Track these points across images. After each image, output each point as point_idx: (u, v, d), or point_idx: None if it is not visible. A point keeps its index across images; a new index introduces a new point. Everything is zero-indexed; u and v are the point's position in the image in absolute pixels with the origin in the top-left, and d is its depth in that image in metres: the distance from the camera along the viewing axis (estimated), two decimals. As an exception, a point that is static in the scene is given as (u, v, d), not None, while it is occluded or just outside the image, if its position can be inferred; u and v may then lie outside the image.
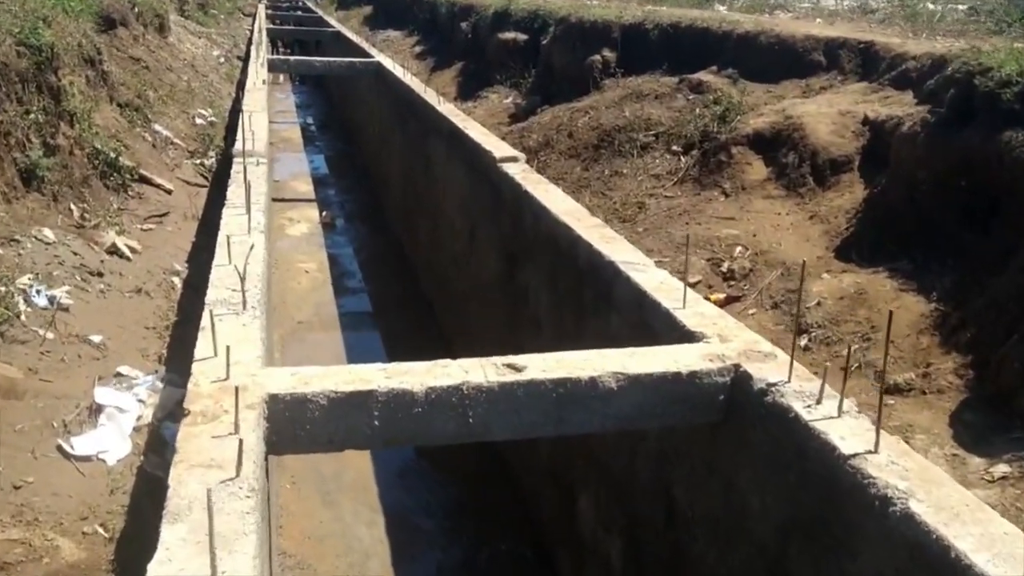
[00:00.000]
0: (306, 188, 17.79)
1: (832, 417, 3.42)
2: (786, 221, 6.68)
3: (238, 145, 7.73)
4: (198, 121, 12.75)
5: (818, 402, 3.52)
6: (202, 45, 19.64)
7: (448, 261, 10.34)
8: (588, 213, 6.39)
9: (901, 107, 6.99)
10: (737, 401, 3.94)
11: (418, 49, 20.91)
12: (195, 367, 3.67)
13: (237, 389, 3.25)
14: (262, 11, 30.56)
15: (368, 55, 17.65)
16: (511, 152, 8.15)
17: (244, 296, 4.28)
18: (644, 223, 7.50)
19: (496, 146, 8.39)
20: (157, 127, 10.59)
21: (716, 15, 10.77)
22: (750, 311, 5.71)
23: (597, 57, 11.17)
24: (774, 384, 3.70)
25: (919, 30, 9.34)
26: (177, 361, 5.42)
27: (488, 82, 14.69)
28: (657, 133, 8.95)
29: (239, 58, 23.05)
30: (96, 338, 5.31)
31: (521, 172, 7.61)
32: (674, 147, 8.75)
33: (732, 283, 6.11)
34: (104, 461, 4.72)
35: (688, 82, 9.55)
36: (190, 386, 3.49)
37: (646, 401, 3.91)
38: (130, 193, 8.40)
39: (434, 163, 11.05)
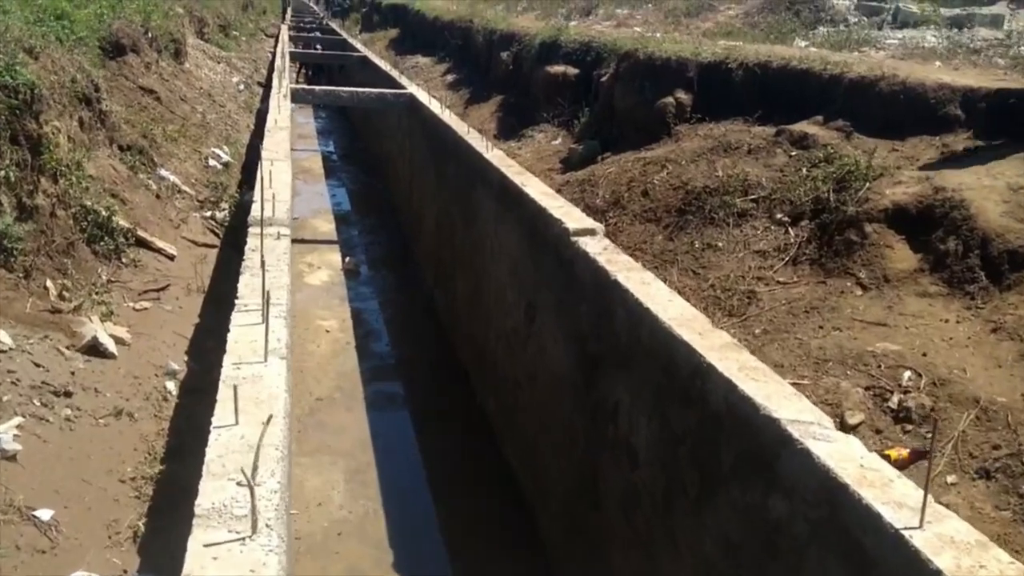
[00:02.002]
0: (328, 228, 16.38)
1: None
2: (961, 333, 5.14)
3: (255, 210, 6.28)
4: (211, 163, 11.33)
5: None
6: (221, 71, 18.32)
7: (494, 336, 8.84)
8: (708, 322, 4.87)
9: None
10: None
11: (450, 78, 19.50)
12: None
13: None
14: (285, 33, 29.39)
15: (398, 84, 16.27)
16: (587, 222, 6.66)
17: (254, 510, 2.75)
18: (759, 320, 5.96)
19: (566, 212, 6.90)
20: (163, 172, 9.17)
21: (816, 54, 9.26)
22: (948, 478, 4.16)
23: (670, 99, 9.68)
24: None
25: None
26: (157, 547, 3.92)
27: (533, 120, 13.21)
28: (757, 197, 7.43)
29: (260, 84, 21.75)
30: (45, 513, 3.83)
31: (603, 251, 6.11)
32: (778, 215, 7.22)
33: (908, 427, 4.56)
34: None
35: (789, 134, 8.03)
36: None
37: None
38: (124, 261, 6.95)
39: (479, 217, 9.57)
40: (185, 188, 9.35)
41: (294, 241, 10.59)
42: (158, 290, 6.84)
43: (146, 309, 6.52)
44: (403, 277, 13.74)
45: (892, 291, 5.80)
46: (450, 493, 7.88)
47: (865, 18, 13.89)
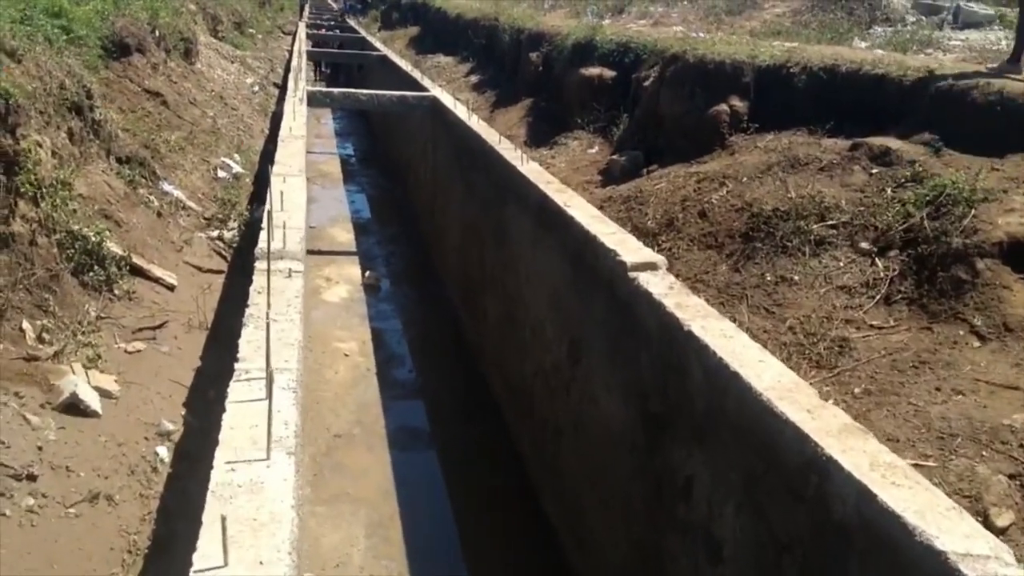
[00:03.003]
0: (346, 237, 15.52)
1: None
2: (1119, 403, 4.22)
3: (262, 239, 5.42)
4: (221, 174, 10.48)
5: None
6: (234, 71, 17.51)
7: (530, 370, 7.95)
8: (814, 393, 3.95)
9: None
10: None
11: (474, 79, 18.62)
12: None
13: None
14: (302, 31, 28.58)
15: (419, 86, 15.39)
16: (645, 254, 5.74)
17: None
18: (857, 377, 5.04)
19: (620, 241, 5.99)
20: (166, 187, 8.34)
21: (889, 58, 8.30)
22: None
23: (724, 107, 8.75)
24: None
25: None
26: None
27: (566, 125, 12.31)
28: (836, 222, 6.50)
29: (276, 85, 20.93)
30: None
31: (669, 291, 5.20)
32: (863, 244, 6.30)
33: (1075, 533, 3.65)
34: None
35: (867, 149, 7.09)
36: None
37: None
38: (116, 293, 6.11)
39: (512, 236, 8.68)
40: (190, 204, 8.52)
41: (310, 252, 9.77)
42: (154, 328, 6.01)
43: (139, 352, 5.68)
44: (426, 293, 12.86)
45: (1018, 343, 4.86)
46: (482, 554, 7.00)
47: (923, 18, 12.90)
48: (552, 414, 7.29)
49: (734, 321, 5.54)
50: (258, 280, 4.89)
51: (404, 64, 19.34)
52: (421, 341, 11.27)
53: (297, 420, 3.41)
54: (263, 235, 5.50)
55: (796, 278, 6.23)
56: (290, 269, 5.09)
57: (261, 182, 10.98)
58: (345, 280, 13.24)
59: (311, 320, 11.04)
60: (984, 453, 4.11)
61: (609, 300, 5.86)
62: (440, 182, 13.48)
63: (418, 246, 14.89)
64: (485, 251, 9.97)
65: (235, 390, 3.58)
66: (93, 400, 4.80)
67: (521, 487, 7.88)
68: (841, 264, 6.22)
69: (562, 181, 8.63)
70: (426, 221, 14.92)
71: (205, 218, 8.67)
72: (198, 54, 15.13)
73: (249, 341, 4.09)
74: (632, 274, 5.49)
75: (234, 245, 8.47)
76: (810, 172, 7.21)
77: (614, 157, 9.84)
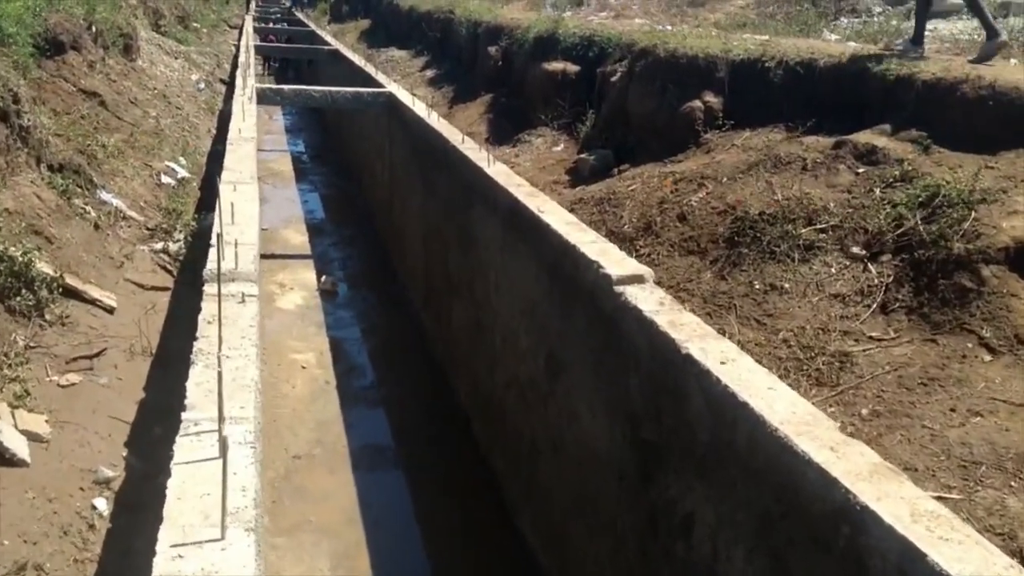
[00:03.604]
0: (300, 240, 14.94)
1: None
2: None
3: (212, 257, 4.90)
4: (165, 179, 9.82)
5: None
6: (179, 67, 16.72)
7: (502, 382, 7.52)
8: (833, 425, 3.58)
9: None
10: None
11: (429, 74, 18.07)
12: None
13: None
14: (249, 25, 27.73)
15: (374, 81, 14.85)
16: (630, 266, 5.35)
17: None
18: (863, 396, 4.69)
19: (601, 251, 5.59)
20: (104, 195, 7.70)
21: (864, 50, 7.99)
22: None
23: (697, 103, 8.37)
24: None
25: None
26: None
27: (529, 122, 11.86)
28: (825, 226, 6.16)
29: (222, 81, 20.14)
30: None
31: (660, 307, 4.80)
32: (853, 249, 5.97)
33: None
34: None
35: (852, 147, 6.75)
36: None
37: None
38: (47, 319, 5.52)
39: (480, 242, 8.24)
40: (131, 213, 7.88)
41: (263, 257, 9.19)
42: (91, 357, 5.44)
43: (74, 385, 5.11)
44: (386, 297, 12.36)
45: (1032, 357, 4.55)
46: (457, 584, 6.58)
47: (890, 8, 12.69)
48: (528, 429, 6.88)
49: (724, 333, 5.18)
50: (207, 307, 4.37)
51: (357, 59, 18.74)
52: (382, 349, 10.78)
53: (257, 485, 2.94)
54: (213, 253, 4.98)
55: (787, 286, 5.87)
56: (243, 293, 4.57)
57: (209, 186, 10.37)
58: (300, 286, 12.68)
59: (265, 330, 10.48)
60: (1013, 483, 3.79)
61: (592, 314, 5.45)
62: (398, 181, 12.97)
63: (376, 247, 14.36)
64: (449, 255, 9.50)
65: (182, 447, 3.08)
66: (20, 447, 4.25)
67: (495, 507, 7.46)
68: (833, 270, 5.88)
69: (528, 181, 8.20)
70: (384, 221, 14.39)
71: (148, 228, 8.04)
72: (139, 50, 14.36)
73: (198, 384, 3.59)
74: (618, 288, 5.08)
75: (180, 258, 7.86)
76: (793, 172, 6.87)
77: (583, 156, 9.43)
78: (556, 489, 6.23)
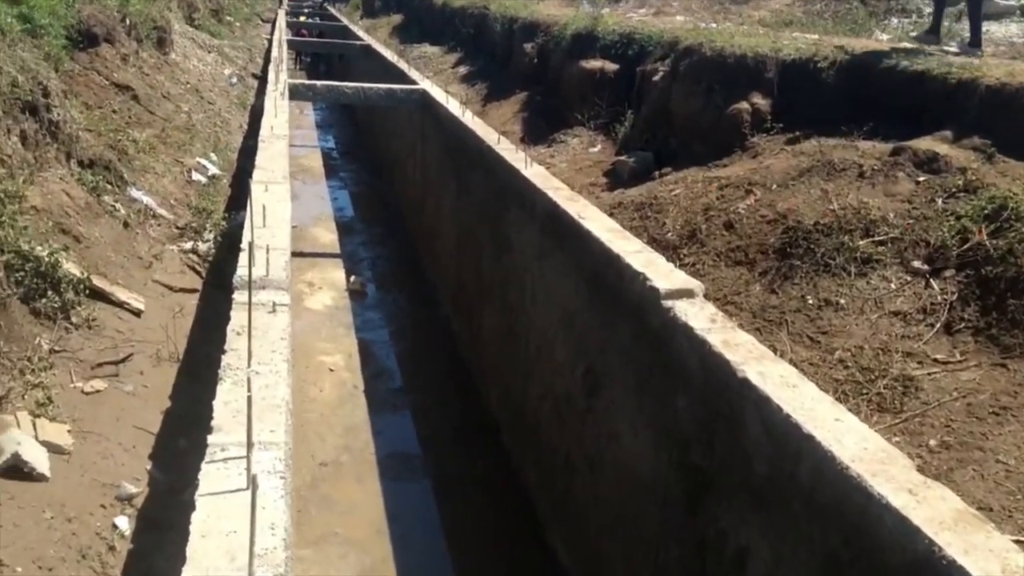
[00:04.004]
0: (329, 238, 14.75)
1: None
2: None
3: (241, 265, 4.70)
4: (195, 176, 9.66)
5: None
6: (211, 61, 16.62)
7: (535, 393, 7.27)
8: (909, 463, 3.29)
9: None
10: None
11: (463, 70, 17.85)
12: None
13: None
14: (282, 19, 27.64)
15: (406, 78, 14.62)
16: (679, 278, 5.06)
17: None
18: (929, 425, 4.38)
19: (647, 262, 5.30)
20: (135, 193, 7.54)
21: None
22: None
23: (745, 105, 8.06)
24: None
25: None
26: None
27: (565, 122, 11.59)
28: (884, 238, 5.83)
29: (255, 76, 20.02)
30: None
31: (712, 324, 4.52)
32: (915, 263, 5.64)
33: None
34: None
35: (911, 154, 6.42)
36: None
37: None
38: (73, 321, 5.34)
39: (515, 247, 7.98)
40: (161, 212, 7.72)
41: (294, 255, 9.01)
42: (117, 362, 5.26)
43: (98, 392, 4.93)
44: (415, 299, 12.13)
45: (1118, 388, 4.22)
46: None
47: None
48: (563, 444, 6.61)
49: (775, 351, 4.89)
50: (236, 317, 4.16)
51: (389, 54, 18.53)
52: (411, 352, 10.55)
53: (287, 521, 2.70)
54: (242, 258, 4.77)
55: (842, 301, 5.56)
56: (274, 303, 4.36)
57: (240, 183, 10.20)
58: (329, 285, 12.49)
59: (293, 331, 10.30)
60: (1107, 532, 3.47)
61: (636, 329, 5.18)
62: (430, 180, 12.74)
63: (406, 247, 14.15)
64: (482, 258, 9.26)
65: (207, 476, 2.86)
66: (40, 460, 4.07)
67: (526, 520, 7.20)
68: (892, 286, 5.56)
69: (565, 182, 7.94)
70: (414, 221, 14.18)
71: (178, 227, 7.88)
72: (172, 44, 14.26)
73: (226, 403, 3.37)
74: (666, 303, 4.80)
75: (209, 259, 7.68)
76: (849, 179, 6.55)
77: (622, 158, 9.14)
78: (592, 508, 5.96)
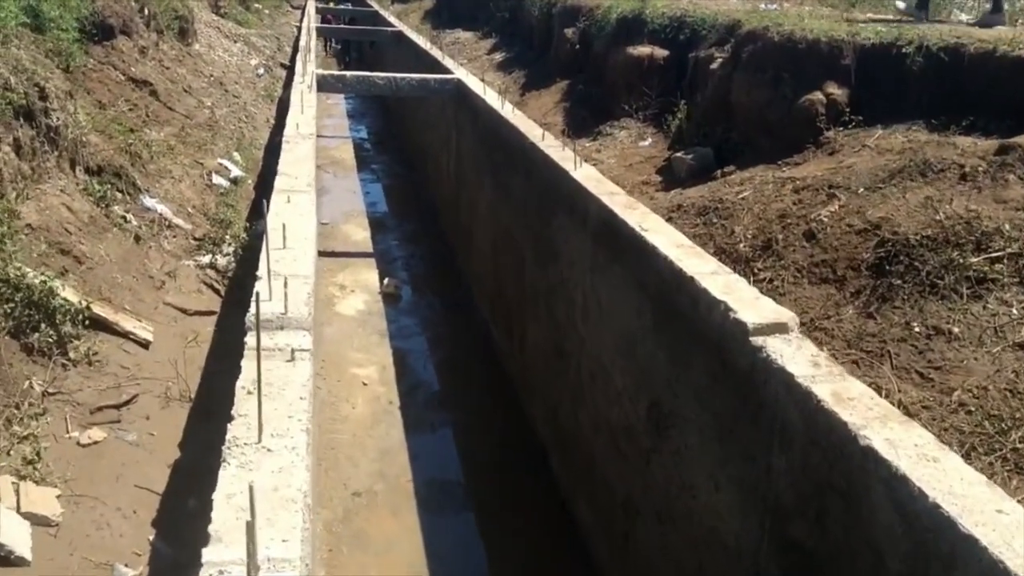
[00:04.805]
0: (362, 236, 14.11)
1: None
2: None
3: (256, 298, 4.00)
4: (216, 180, 9.01)
5: None
6: (237, 52, 16.00)
7: (589, 422, 6.54)
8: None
9: None
10: None
11: (498, 57, 17.07)
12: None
13: None
14: (312, 5, 26.99)
15: (440, 66, 13.90)
16: (768, 309, 4.30)
17: None
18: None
19: (728, 287, 4.55)
20: (148, 201, 6.91)
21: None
22: None
23: (818, 95, 7.22)
24: None
25: None
26: None
27: (610, 113, 10.80)
28: (998, 253, 5.01)
29: (283, 65, 19.39)
30: None
31: (814, 370, 3.76)
32: (1037, 284, 4.82)
33: None
34: None
35: (1021, 153, 5.58)
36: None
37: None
38: (72, 356, 4.71)
39: (562, 256, 7.24)
40: (177, 221, 7.08)
41: (321, 254, 8.34)
42: (119, 406, 4.62)
43: (97, 444, 4.30)
44: (452, 304, 11.45)
45: None
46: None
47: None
48: (622, 483, 5.89)
49: (879, 390, 4.13)
50: (248, 369, 3.48)
51: (421, 41, 17.81)
52: (449, 364, 9.88)
53: None
54: (260, 285, 4.09)
55: (956, 330, 4.75)
56: (292, 348, 3.66)
57: (266, 185, 9.57)
58: (361, 288, 11.86)
59: (324, 339, 9.67)
60: None
61: (715, 368, 4.43)
62: (465, 176, 12.02)
63: (440, 246, 13.46)
64: (524, 266, 8.53)
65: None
66: (20, 540, 3.43)
67: (580, 563, 6.51)
68: (1014, 311, 4.74)
69: (614, 181, 7.19)
70: (449, 218, 13.48)
71: (195, 239, 7.22)
72: (196, 34, 13.65)
73: (229, 496, 2.69)
74: (755, 339, 4.04)
75: (230, 274, 7.03)
76: (948, 182, 5.71)
77: (679, 155, 8.33)
78: (661, 562, 5.24)
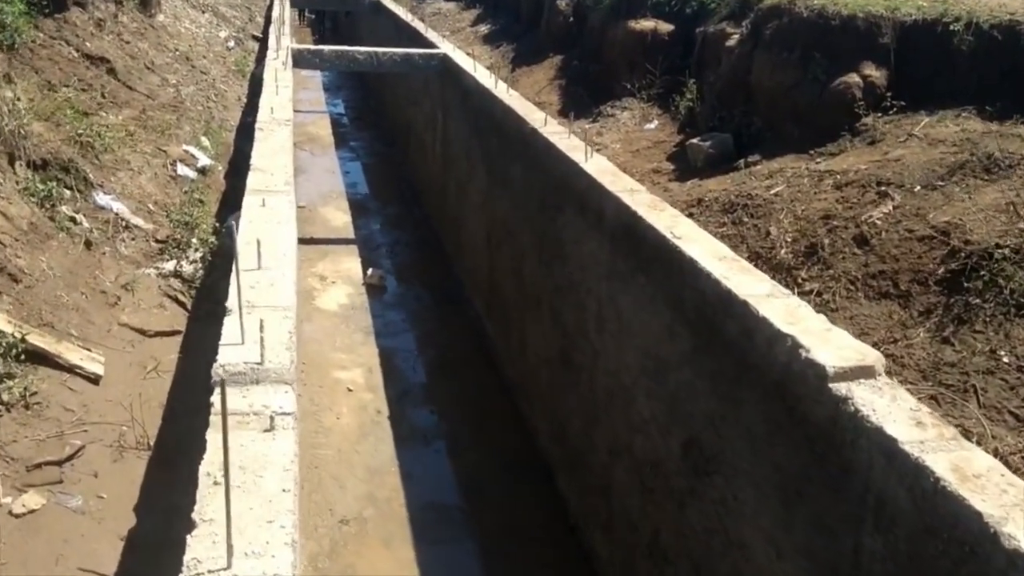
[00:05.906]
0: (342, 220, 13.26)
1: None
2: None
3: (222, 349, 3.26)
4: (182, 170, 8.12)
5: None
6: (206, 23, 14.98)
7: (604, 446, 5.85)
8: None
9: None
10: None
11: (483, 29, 16.20)
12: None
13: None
14: (284, -27, 25.75)
15: (425, 41, 13.01)
16: (848, 348, 3.57)
17: None
18: None
19: (789, 312, 3.83)
20: (101, 199, 6.07)
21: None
22: None
23: (854, 78, 6.51)
24: None
25: None
26: None
27: (610, 92, 10.05)
28: (1092, 268, 4.34)
29: (255, 37, 18.34)
30: None
31: (915, 425, 3.12)
32: None
33: None
34: None
35: (1105, 148, 4.92)
36: None
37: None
38: (4, 399, 3.92)
39: (571, 259, 6.50)
40: (136, 221, 6.23)
41: (301, 242, 7.54)
42: (61, 462, 3.84)
43: (33, 512, 3.53)
44: (441, 296, 10.67)
45: None
46: None
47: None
48: (648, 522, 5.21)
49: (968, 435, 3.47)
50: (213, 443, 2.73)
51: (402, 11, 16.84)
52: (441, 365, 9.14)
53: None
54: (226, 330, 3.33)
55: (1051, 361, 4.08)
56: (272, 414, 2.91)
57: (237, 172, 8.71)
58: (343, 278, 11.05)
59: (303, 337, 8.88)
60: None
61: (777, 413, 3.72)
62: (453, 160, 11.20)
63: (425, 230, 12.66)
64: (524, 264, 7.78)
65: None
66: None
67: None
68: (1113, 338, 4.08)
69: (620, 168, 6.46)
70: (435, 203, 12.65)
71: (157, 241, 6.38)
72: (159, 4, 12.64)
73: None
74: (836, 387, 3.33)
75: (197, 284, 6.20)
76: (1019, 179, 5.02)
77: (694, 141, 7.59)
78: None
